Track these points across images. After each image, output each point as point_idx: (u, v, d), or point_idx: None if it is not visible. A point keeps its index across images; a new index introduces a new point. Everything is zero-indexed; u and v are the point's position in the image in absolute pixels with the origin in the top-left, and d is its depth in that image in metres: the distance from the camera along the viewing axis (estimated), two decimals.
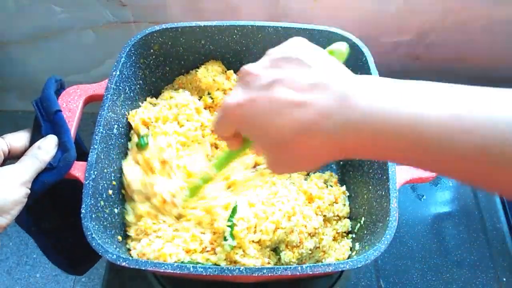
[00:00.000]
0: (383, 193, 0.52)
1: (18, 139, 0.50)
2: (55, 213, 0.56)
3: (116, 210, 0.55)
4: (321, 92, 0.31)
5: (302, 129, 0.31)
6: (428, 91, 0.30)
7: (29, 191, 0.46)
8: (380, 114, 0.29)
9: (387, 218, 0.49)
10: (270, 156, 0.36)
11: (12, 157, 0.49)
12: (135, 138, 0.60)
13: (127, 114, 0.61)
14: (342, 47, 0.42)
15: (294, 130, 0.31)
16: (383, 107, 0.29)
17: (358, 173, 0.62)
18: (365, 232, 0.55)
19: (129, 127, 0.62)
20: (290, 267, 0.44)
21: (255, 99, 0.33)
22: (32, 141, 0.51)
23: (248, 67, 0.36)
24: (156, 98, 0.67)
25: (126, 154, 0.60)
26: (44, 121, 0.52)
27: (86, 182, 0.49)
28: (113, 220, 0.54)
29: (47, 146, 0.49)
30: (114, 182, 0.55)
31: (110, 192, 0.54)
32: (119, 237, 0.54)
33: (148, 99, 0.66)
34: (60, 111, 0.53)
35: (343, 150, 0.32)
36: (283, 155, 0.34)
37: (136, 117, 0.61)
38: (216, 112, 0.62)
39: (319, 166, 0.35)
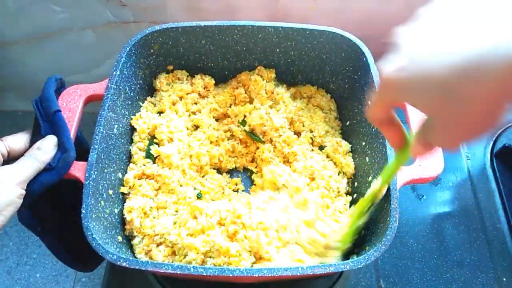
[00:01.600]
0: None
1: (18, 140, 0.50)
2: (56, 213, 0.56)
3: (116, 210, 0.55)
4: (480, 30, 0.28)
5: (462, 68, 0.27)
6: None
7: (23, 192, 0.46)
8: None
9: (387, 218, 0.49)
10: (439, 119, 0.31)
11: (11, 159, 0.49)
12: (139, 146, 0.61)
13: (127, 114, 0.61)
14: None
15: (454, 70, 0.28)
16: None
17: (359, 173, 0.62)
18: (365, 232, 0.55)
19: (131, 128, 0.62)
20: (290, 268, 0.44)
21: (416, 56, 0.30)
22: (32, 141, 0.51)
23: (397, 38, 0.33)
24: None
25: (128, 157, 0.60)
26: (44, 121, 0.52)
27: (86, 182, 0.49)
28: (114, 220, 0.54)
29: (46, 147, 0.49)
30: (109, 191, 0.54)
31: (111, 192, 0.54)
32: (119, 237, 0.54)
33: (149, 98, 0.66)
34: (60, 111, 0.52)
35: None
36: (452, 108, 0.29)
37: (139, 120, 0.62)
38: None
39: (496, 121, 0.29)
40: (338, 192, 0.61)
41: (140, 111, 0.64)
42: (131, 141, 0.62)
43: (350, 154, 0.65)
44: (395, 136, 0.40)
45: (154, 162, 0.60)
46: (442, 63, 0.28)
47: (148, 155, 0.60)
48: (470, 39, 0.28)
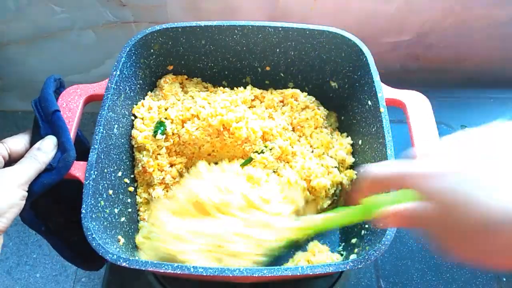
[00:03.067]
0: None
1: (18, 142, 0.50)
2: (61, 211, 0.56)
3: (116, 210, 0.55)
4: None
5: None
6: None
7: (26, 194, 0.46)
8: None
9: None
10: (456, 243, 0.30)
11: (13, 161, 0.49)
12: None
13: (127, 114, 0.61)
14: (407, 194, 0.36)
15: (506, 213, 0.26)
16: None
17: (359, 173, 0.62)
18: (365, 232, 0.55)
19: (131, 128, 0.62)
20: (290, 268, 0.44)
21: (462, 169, 0.28)
22: (32, 142, 0.51)
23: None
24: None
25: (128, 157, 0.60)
26: (43, 121, 0.52)
27: (86, 182, 0.49)
28: (114, 220, 0.54)
29: (46, 147, 0.49)
30: (109, 191, 0.54)
31: (111, 192, 0.55)
32: (119, 237, 0.54)
33: (150, 93, 0.66)
34: (59, 111, 0.52)
35: None
36: (477, 245, 0.28)
37: (141, 109, 0.63)
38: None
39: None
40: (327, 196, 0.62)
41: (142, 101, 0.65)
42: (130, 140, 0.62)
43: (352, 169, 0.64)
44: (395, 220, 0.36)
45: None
46: (497, 203, 0.26)
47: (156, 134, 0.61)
48: None
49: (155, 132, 0.61)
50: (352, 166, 0.64)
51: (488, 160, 0.28)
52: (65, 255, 0.57)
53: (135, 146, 0.62)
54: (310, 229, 0.50)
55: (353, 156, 0.64)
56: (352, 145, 0.65)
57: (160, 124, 0.62)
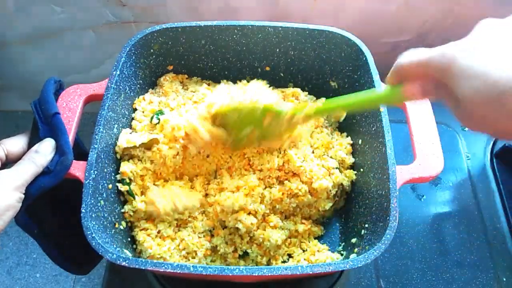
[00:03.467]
0: (383, 193, 0.52)
1: (16, 143, 0.50)
2: (55, 214, 0.56)
3: (116, 210, 0.55)
4: None
5: None
6: None
7: (22, 196, 0.45)
8: None
9: (387, 218, 0.49)
10: (476, 110, 0.33)
11: (10, 162, 0.49)
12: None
13: (127, 114, 0.61)
14: None
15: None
16: None
17: (358, 172, 0.62)
18: (365, 232, 0.55)
19: (130, 127, 0.62)
20: (290, 267, 0.44)
21: (475, 42, 0.33)
22: (31, 144, 0.51)
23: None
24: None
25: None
26: (42, 123, 0.52)
27: (86, 182, 0.49)
28: (113, 219, 0.54)
29: (44, 150, 0.49)
30: (110, 186, 0.54)
31: (110, 191, 0.54)
32: (119, 237, 0.54)
33: (150, 90, 0.66)
34: (59, 113, 0.52)
35: None
36: (492, 109, 0.32)
37: (142, 102, 0.63)
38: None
39: None
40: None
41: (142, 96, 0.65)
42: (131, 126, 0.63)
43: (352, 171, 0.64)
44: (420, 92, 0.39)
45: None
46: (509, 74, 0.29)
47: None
48: None
49: (151, 118, 0.61)
50: (352, 166, 0.64)
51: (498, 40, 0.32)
52: (55, 258, 0.57)
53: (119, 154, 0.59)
54: (334, 107, 0.49)
55: (353, 156, 0.64)
56: (352, 144, 0.65)
57: (159, 112, 0.62)
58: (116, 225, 0.54)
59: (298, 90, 0.68)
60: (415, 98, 0.40)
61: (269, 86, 0.70)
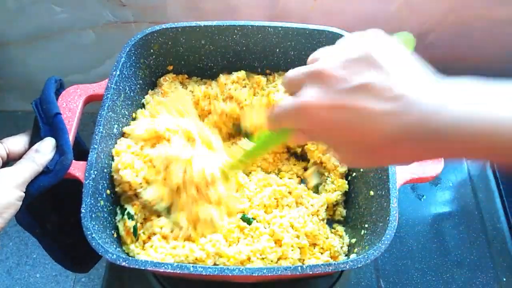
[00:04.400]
0: (383, 193, 0.52)
1: (17, 142, 0.50)
2: (56, 213, 0.56)
3: (116, 210, 0.55)
4: (406, 103, 0.30)
5: (389, 138, 0.31)
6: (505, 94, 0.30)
7: (23, 194, 0.46)
8: (468, 122, 0.29)
9: (387, 218, 0.49)
10: (349, 156, 0.36)
11: (11, 160, 0.49)
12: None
13: (127, 114, 0.61)
14: (409, 35, 0.39)
15: (382, 137, 0.31)
16: (471, 115, 0.29)
17: (358, 173, 0.62)
18: (365, 232, 0.55)
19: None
20: (290, 267, 0.44)
21: (342, 105, 0.32)
22: (32, 143, 0.51)
23: (322, 66, 0.34)
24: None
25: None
26: (43, 123, 0.52)
27: (86, 182, 0.49)
28: (113, 220, 0.54)
29: (45, 149, 0.49)
30: (108, 191, 0.54)
31: (110, 191, 0.54)
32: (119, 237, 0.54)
33: (150, 91, 0.66)
34: (60, 113, 0.52)
35: (427, 152, 0.32)
36: (365, 158, 0.35)
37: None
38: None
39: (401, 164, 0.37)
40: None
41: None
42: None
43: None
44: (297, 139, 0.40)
45: None
46: (382, 128, 0.31)
47: None
48: (414, 103, 0.30)
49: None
50: (347, 174, 0.64)
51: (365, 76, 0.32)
52: (57, 257, 0.57)
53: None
54: (240, 162, 0.50)
55: None
56: None
57: None
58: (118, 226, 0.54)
59: (261, 77, 0.68)
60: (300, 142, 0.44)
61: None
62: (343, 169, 0.63)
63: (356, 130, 0.32)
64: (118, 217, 0.55)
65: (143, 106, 0.65)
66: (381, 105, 0.31)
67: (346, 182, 0.63)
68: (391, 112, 0.30)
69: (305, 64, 0.67)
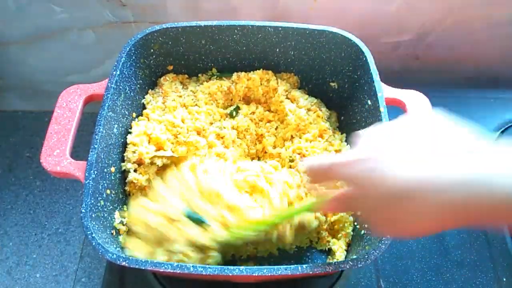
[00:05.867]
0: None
1: None
2: None
3: (116, 210, 0.55)
4: (443, 158, 0.31)
5: (413, 189, 0.30)
6: None
7: None
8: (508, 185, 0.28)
9: None
10: (377, 217, 0.35)
11: None
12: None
13: (127, 114, 0.61)
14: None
15: (405, 189, 0.31)
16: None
17: None
18: (365, 232, 0.55)
19: (130, 127, 0.62)
20: (290, 267, 0.44)
21: (373, 155, 0.33)
22: None
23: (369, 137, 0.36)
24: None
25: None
26: None
27: (86, 182, 0.49)
28: (113, 219, 0.54)
29: None
30: (108, 191, 0.54)
31: (110, 191, 0.54)
32: (119, 237, 0.54)
33: (150, 91, 0.66)
34: None
35: (453, 219, 0.31)
36: (392, 214, 0.33)
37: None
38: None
39: (426, 234, 0.35)
40: None
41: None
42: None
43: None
44: (333, 206, 0.44)
45: None
46: (401, 178, 0.31)
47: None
48: (437, 164, 0.30)
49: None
50: None
51: (396, 144, 0.33)
52: None
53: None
54: (268, 222, 0.52)
55: None
56: (351, 144, 0.65)
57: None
58: (116, 225, 0.54)
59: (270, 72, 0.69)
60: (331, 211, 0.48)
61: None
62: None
63: (387, 175, 0.32)
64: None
65: (143, 106, 0.66)
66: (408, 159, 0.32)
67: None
68: (413, 161, 0.31)
69: (304, 64, 0.67)
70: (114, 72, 0.57)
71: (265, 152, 0.66)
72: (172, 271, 0.44)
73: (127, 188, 0.59)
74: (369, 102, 0.59)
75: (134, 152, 0.57)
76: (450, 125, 0.33)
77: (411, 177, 0.31)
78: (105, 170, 0.54)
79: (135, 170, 0.58)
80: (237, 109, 0.68)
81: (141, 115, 0.64)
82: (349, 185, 0.37)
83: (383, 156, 0.33)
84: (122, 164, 0.58)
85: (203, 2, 0.84)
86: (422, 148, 0.32)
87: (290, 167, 0.62)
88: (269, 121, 0.68)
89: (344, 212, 0.47)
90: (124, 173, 0.59)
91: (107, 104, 0.55)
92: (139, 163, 0.58)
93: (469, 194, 0.29)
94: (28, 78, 1.13)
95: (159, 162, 0.58)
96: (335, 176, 0.38)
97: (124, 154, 0.59)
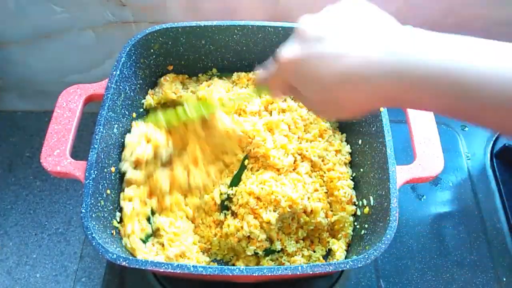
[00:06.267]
0: (383, 193, 0.52)
1: None
2: None
3: (116, 210, 0.55)
4: (366, 44, 0.34)
5: (345, 77, 0.34)
6: (466, 44, 0.36)
7: None
8: (422, 65, 0.32)
9: (387, 218, 0.49)
10: (317, 104, 0.40)
11: None
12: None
13: (127, 114, 0.61)
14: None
15: (338, 77, 0.35)
16: (426, 59, 0.32)
17: (358, 173, 0.62)
18: (365, 232, 0.55)
19: (130, 128, 0.62)
20: (290, 267, 0.44)
21: (307, 55, 0.36)
22: None
23: (300, 26, 0.40)
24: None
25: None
26: None
27: (86, 182, 0.49)
28: (113, 219, 0.54)
29: None
30: (108, 191, 0.54)
31: (110, 191, 0.54)
32: (119, 236, 0.54)
33: (150, 91, 0.66)
34: None
35: (382, 98, 0.35)
36: (328, 103, 0.38)
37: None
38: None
39: (362, 114, 0.39)
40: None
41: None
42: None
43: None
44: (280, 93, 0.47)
45: None
46: (333, 69, 0.35)
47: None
48: (360, 49, 0.34)
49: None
50: (352, 178, 0.63)
51: (337, 31, 0.36)
52: None
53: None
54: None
55: (353, 156, 0.64)
56: (351, 144, 0.65)
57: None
58: (115, 224, 0.54)
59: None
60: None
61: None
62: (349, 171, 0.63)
63: (318, 72, 0.36)
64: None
65: (143, 106, 0.66)
66: (340, 47, 0.35)
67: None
68: (347, 53, 0.34)
69: None
70: (114, 72, 0.57)
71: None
72: (172, 271, 0.44)
73: (124, 185, 0.58)
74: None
75: (131, 154, 0.57)
76: (380, 16, 0.38)
77: (334, 74, 0.35)
78: (105, 170, 0.54)
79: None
80: None
81: (142, 115, 0.64)
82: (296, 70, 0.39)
83: (328, 42, 0.36)
84: (120, 164, 0.58)
85: (203, 2, 0.84)
86: (356, 35, 0.35)
87: None
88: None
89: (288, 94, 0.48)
90: (124, 173, 0.59)
91: (107, 104, 0.55)
92: (137, 163, 0.58)
93: (392, 76, 0.32)
94: (28, 78, 1.13)
95: (159, 163, 0.58)
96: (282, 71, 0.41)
97: (123, 153, 0.59)
